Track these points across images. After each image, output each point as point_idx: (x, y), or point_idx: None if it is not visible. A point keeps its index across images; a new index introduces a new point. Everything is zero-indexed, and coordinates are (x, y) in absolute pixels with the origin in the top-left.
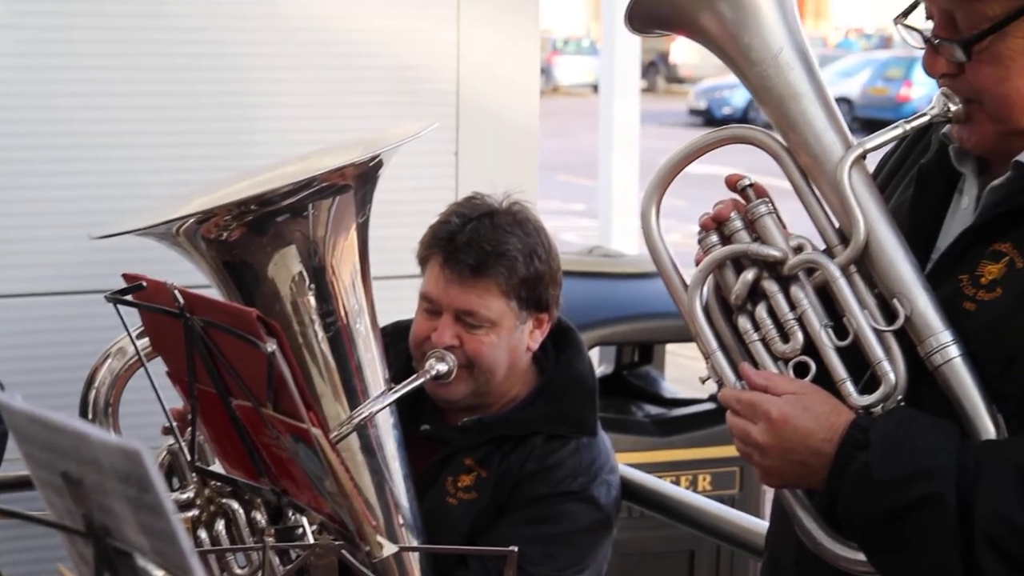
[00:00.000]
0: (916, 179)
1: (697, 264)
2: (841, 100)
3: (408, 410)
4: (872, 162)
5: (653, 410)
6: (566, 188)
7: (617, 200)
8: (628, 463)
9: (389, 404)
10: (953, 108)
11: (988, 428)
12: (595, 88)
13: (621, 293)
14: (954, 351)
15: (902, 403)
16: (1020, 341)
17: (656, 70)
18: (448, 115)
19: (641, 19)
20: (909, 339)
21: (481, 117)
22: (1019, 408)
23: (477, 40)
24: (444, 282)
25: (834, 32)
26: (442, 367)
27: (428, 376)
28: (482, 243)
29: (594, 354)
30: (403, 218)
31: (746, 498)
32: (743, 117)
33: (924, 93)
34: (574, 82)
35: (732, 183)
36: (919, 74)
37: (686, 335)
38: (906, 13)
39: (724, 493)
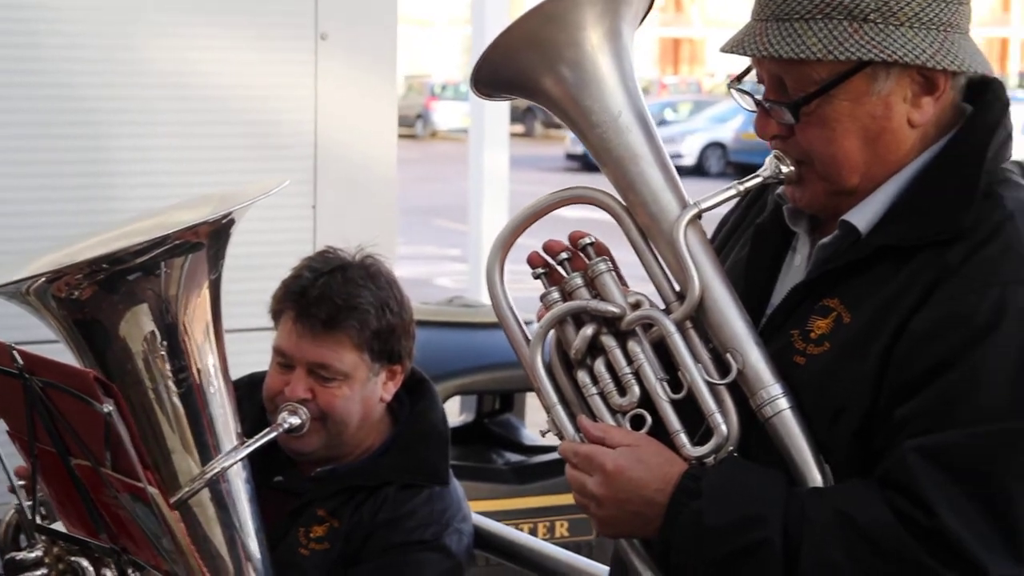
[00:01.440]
0: (752, 238)
1: (539, 320)
2: (716, 144)
3: (261, 462)
4: (714, 221)
5: (513, 457)
6: (442, 233)
7: (487, 247)
8: (487, 511)
9: (241, 458)
10: (784, 170)
11: (816, 478)
12: None
13: (481, 342)
14: (784, 403)
15: (734, 453)
16: (846, 394)
17: (533, 115)
18: (306, 168)
19: (487, 83)
20: (743, 392)
21: (339, 171)
22: (846, 459)
23: (334, 94)
24: (296, 336)
25: (708, 78)
26: (295, 420)
27: (281, 429)
28: (334, 297)
29: (455, 403)
30: (260, 271)
31: (603, 544)
32: None
33: None
34: (452, 127)
35: (574, 240)
36: None
37: None
38: (739, 77)
39: (581, 539)
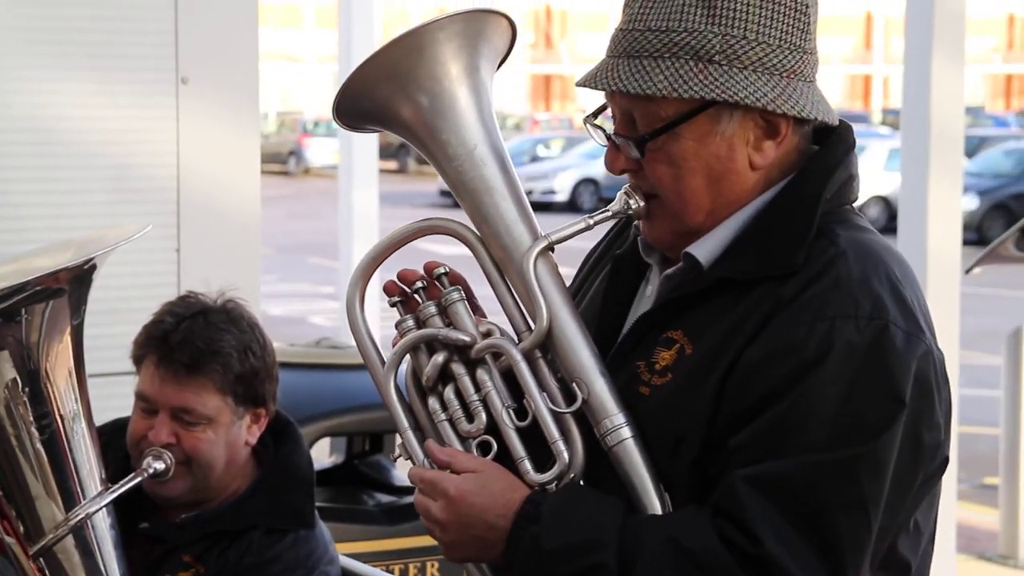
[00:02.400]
0: (610, 270)
1: (394, 347)
2: (588, 181)
3: (126, 509)
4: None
5: (383, 499)
6: (316, 270)
7: None
8: (359, 552)
9: (106, 504)
10: (633, 205)
11: (655, 506)
12: None
13: (349, 384)
14: (627, 433)
15: (579, 481)
16: (685, 424)
17: (407, 151)
18: (169, 212)
19: (349, 114)
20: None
21: (202, 214)
22: (687, 488)
23: (197, 137)
24: (159, 381)
25: (579, 114)
26: (159, 465)
27: (145, 475)
28: (196, 341)
29: (324, 444)
30: (125, 315)
31: None
32: None
33: None
34: (325, 163)
35: (429, 270)
36: None
37: None
38: (595, 114)
39: None
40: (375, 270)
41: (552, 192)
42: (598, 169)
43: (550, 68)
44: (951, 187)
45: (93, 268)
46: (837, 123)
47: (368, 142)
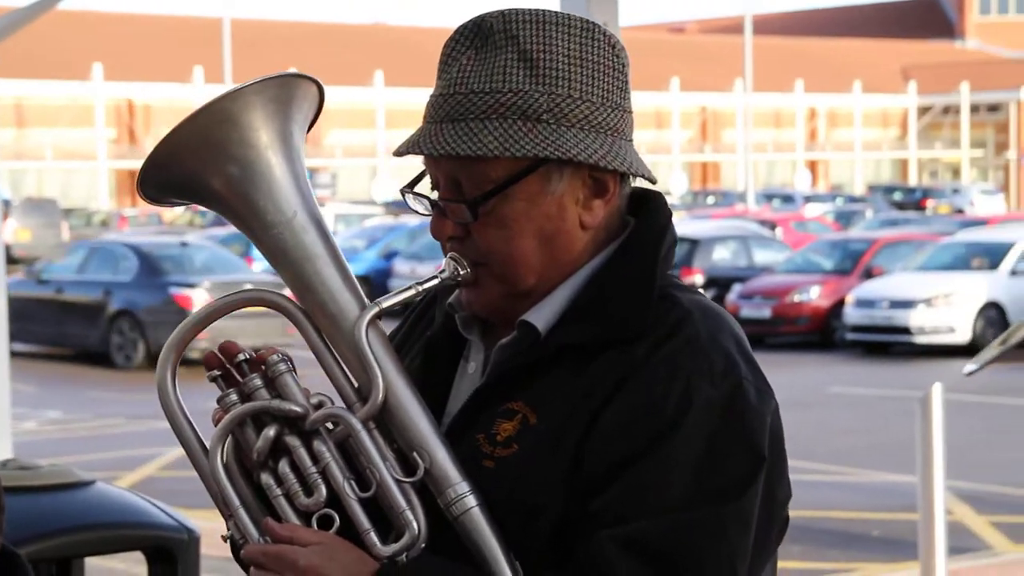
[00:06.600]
0: (424, 350)
1: (216, 423)
2: None
3: None
4: None
5: None
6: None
7: None
8: None
9: None
10: (462, 272)
11: (506, 574)
12: None
13: (38, 508)
14: (471, 501)
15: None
16: (541, 494)
17: None
18: None
19: (153, 185)
20: (430, 495)
21: None
22: (542, 558)
23: None
24: None
25: (168, 211)
26: None
27: None
28: None
29: None
30: None
31: None
32: None
33: None
34: None
35: (231, 354)
36: None
37: (107, 547)
38: (412, 184)
39: None
40: (187, 345)
41: None
42: None
43: (134, 163)
44: None
45: None
46: (655, 181)
47: None
